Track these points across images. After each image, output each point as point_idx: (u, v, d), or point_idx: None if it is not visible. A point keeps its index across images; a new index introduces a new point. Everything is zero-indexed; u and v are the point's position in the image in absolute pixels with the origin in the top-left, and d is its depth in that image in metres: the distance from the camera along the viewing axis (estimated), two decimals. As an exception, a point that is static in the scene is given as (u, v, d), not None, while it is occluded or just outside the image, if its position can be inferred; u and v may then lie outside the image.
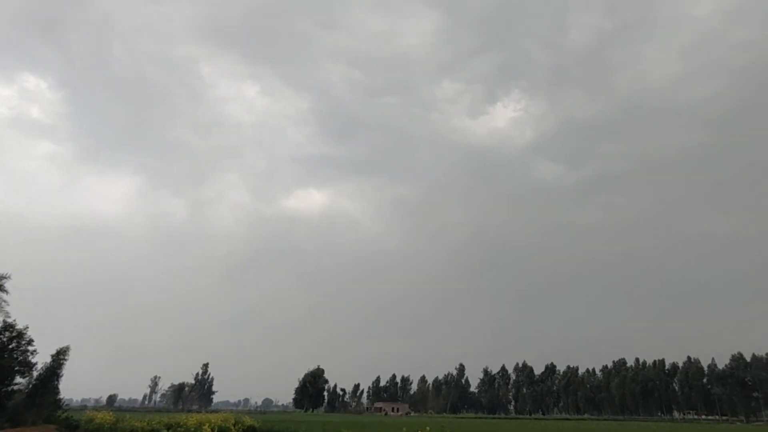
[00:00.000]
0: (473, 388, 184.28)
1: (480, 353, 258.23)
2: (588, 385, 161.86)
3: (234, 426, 31.81)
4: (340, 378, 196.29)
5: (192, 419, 31.22)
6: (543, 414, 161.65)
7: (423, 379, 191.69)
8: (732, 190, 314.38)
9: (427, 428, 15.17)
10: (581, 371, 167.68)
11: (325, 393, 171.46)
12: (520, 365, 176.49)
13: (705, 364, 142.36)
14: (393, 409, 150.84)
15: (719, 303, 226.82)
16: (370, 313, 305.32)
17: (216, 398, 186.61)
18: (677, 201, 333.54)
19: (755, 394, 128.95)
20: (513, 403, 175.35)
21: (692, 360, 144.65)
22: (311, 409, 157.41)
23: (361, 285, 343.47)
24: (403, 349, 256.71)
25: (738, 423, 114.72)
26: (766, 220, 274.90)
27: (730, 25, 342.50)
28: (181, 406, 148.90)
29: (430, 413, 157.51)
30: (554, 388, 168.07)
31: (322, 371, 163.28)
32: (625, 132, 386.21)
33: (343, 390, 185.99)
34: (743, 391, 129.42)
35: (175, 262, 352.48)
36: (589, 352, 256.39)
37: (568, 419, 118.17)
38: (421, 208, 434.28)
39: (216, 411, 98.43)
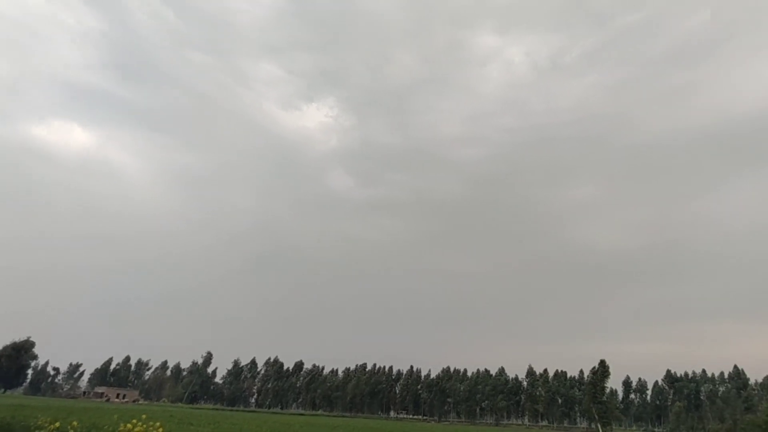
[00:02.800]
0: (219, 379, 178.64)
1: (240, 345, 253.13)
2: (329, 384, 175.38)
3: None
4: (58, 356, 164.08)
5: None
6: (281, 408, 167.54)
7: (164, 365, 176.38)
8: (474, 237, 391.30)
9: (143, 416, 13.99)
10: (327, 371, 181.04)
11: (30, 371, 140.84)
12: (272, 359, 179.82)
13: (424, 373, 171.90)
14: (118, 395, 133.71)
15: (444, 324, 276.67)
16: (118, 284, 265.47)
17: None
18: (434, 235, 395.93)
19: (449, 400, 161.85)
20: (255, 396, 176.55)
21: (414, 369, 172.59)
22: (3, 390, 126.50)
23: (115, 251, 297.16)
24: (150, 330, 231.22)
25: (432, 422, 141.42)
26: (496, 264, 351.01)
27: (501, 108, 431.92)
28: None
29: (164, 402, 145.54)
30: (298, 384, 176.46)
31: (32, 344, 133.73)
32: (411, 168, 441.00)
33: (56, 369, 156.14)
34: (441, 397, 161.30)
35: None
36: (342, 354, 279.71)
37: (302, 414, 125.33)
38: (207, 182, 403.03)
39: None
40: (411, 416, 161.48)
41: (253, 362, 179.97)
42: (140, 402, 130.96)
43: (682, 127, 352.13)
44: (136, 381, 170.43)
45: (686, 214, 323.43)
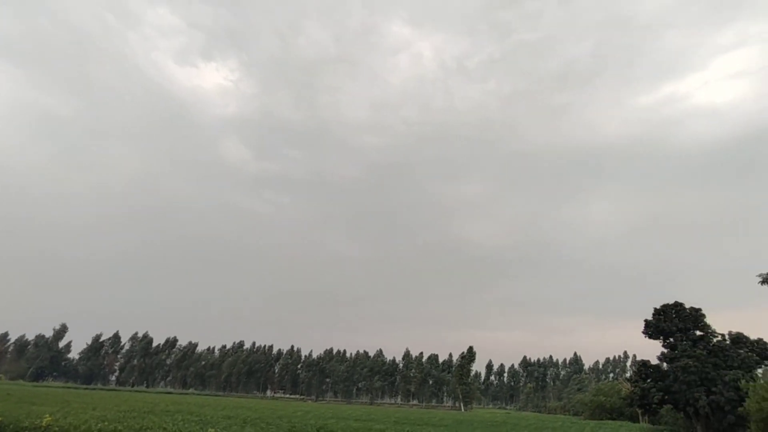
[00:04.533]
0: (76, 354, 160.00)
1: (104, 318, 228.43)
2: (203, 362, 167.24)
3: None
4: None
5: None
6: (147, 387, 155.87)
7: (4, 338, 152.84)
8: (367, 223, 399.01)
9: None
10: (202, 348, 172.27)
11: None
12: (140, 335, 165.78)
13: (305, 353, 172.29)
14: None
15: (331, 306, 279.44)
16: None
17: None
18: (328, 218, 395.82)
19: (327, 380, 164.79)
20: (117, 373, 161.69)
21: (295, 349, 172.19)
22: None
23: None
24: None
25: (309, 401, 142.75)
26: (386, 251, 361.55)
27: (405, 100, 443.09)
28: None
29: (0, 378, 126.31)
30: (168, 362, 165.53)
31: None
32: (311, 146, 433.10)
33: None
34: (320, 377, 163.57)
35: None
36: (222, 333, 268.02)
37: (170, 393, 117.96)
38: (76, 133, 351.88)
39: None
40: (288, 395, 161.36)
41: (116, 337, 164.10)
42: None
43: (558, 142, 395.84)
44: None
45: (552, 219, 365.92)
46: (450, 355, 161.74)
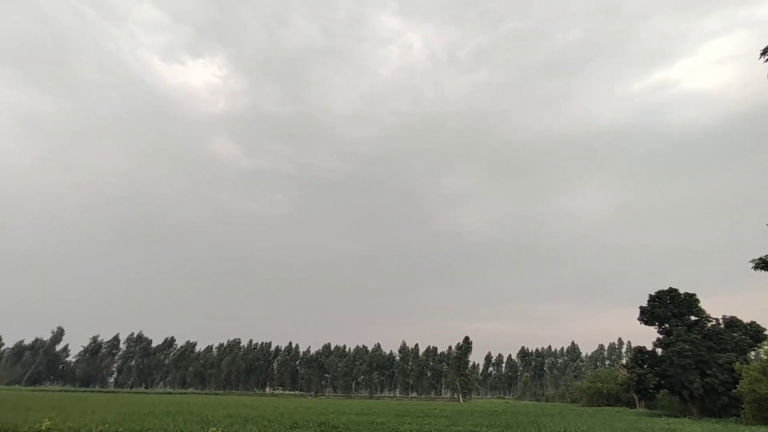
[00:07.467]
0: (72, 357, 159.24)
1: (102, 321, 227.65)
2: (201, 361, 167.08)
3: None
4: None
5: None
6: (146, 388, 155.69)
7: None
8: (358, 218, 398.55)
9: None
10: (201, 347, 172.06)
11: None
12: (135, 335, 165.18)
13: (303, 349, 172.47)
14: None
15: (328, 301, 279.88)
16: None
17: None
18: (319, 212, 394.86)
19: (326, 375, 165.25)
20: (115, 375, 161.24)
21: (293, 345, 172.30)
22: None
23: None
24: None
25: (309, 397, 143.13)
26: (379, 245, 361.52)
27: (395, 92, 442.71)
28: None
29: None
30: (166, 362, 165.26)
31: None
32: (301, 141, 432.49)
33: None
34: (319, 372, 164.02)
35: None
36: (220, 331, 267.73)
37: (170, 393, 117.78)
38: (62, 132, 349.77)
39: None
40: (288, 392, 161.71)
41: (116, 339, 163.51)
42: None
43: (551, 130, 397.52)
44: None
45: (546, 208, 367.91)
46: (450, 347, 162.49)
